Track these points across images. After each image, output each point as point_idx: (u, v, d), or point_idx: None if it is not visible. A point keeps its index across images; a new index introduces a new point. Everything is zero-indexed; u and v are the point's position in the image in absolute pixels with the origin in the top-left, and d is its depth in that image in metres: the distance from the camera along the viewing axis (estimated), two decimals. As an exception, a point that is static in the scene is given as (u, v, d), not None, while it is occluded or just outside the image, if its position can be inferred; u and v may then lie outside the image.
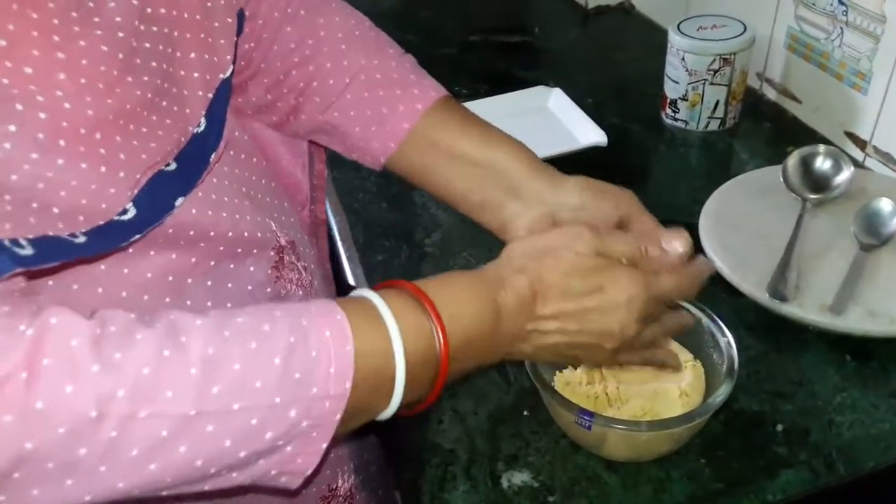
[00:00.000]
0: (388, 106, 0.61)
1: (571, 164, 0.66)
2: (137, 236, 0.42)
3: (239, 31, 0.54)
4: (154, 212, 0.43)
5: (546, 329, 0.50)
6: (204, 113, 0.47)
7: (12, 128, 0.37)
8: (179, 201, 0.45)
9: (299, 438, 0.40)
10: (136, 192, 0.42)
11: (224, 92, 0.50)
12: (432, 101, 0.61)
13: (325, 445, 0.41)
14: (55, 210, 0.38)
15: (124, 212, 0.41)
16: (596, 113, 1.03)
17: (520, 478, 0.62)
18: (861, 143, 0.94)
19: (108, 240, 0.41)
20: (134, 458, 0.36)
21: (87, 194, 0.39)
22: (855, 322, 0.69)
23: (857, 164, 0.93)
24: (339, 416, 0.41)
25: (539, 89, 1.10)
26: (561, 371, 0.66)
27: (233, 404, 0.37)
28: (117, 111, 0.41)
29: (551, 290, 0.49)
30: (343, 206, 0.95)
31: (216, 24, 0.50)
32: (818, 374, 0.68)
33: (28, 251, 0.36)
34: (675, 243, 0.55)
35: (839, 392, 0.67)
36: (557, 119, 1.06)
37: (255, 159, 0.56)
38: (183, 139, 0.46)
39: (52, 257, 0.38)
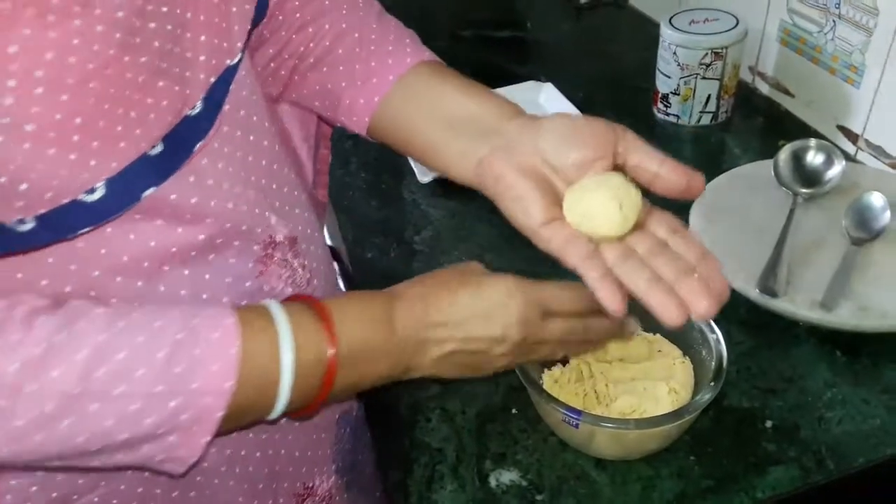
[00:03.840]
0: (377, 60, 0.61)
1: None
2: (88, 228, 0.43)
3: (260, 18, 0.54)
4: (120, 199, 0.43)
5: (439, 337, 0.52)
6: (202, 97, 0.47)
7: None
8: (149, 191, 0.44)
9: (180, 430, 0.43)
10: (112, 175, 0.42)
11: (227, 78, 0.50)
12: (423, 59, 0.61)
13: (206, 440, 0.44)
14: (23, 186, 0.40)
15: (92, 190, 0.42)
16: (587, 108, 1.02)
17: (508, 476, 0.61)
18: (853, 137, 0.94)
19: (60, 227, 0.42)
20: (19, 427, 0.39)
21: (58, 178, 0.40)
22: (846, 317, 0.69)
23: (850, 158, 0.93)
24: (220, 414, 0.43)
25: (530, 84, 1.10)
26: (549, 369, 0.65)
27: (115, 388, 0.41)
28: (102, 95, 0.41)
29: (441, 298, 0.52)
30: (333, 203, 0.95)
31: (233, 10, 0.50)
32: (808, 370, 0.68)
33: None
34: (667, 169, 0.53)
35: (829, 388, 0.66)
36: (549, 114, 1.05)
37: (266, 143, 0.55)
38: (175, 121, 0.46)
39: None
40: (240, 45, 0.50)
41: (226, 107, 0.50)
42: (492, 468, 0.62)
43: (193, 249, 0.49)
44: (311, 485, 0.60)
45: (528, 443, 0.64)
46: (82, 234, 0.43)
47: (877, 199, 0.78)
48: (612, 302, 0.48)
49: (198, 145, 0.47)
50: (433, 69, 0.61)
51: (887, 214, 0.77)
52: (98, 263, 0.45)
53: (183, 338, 0.43)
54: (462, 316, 0.52)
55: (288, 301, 0.50)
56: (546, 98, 1.08)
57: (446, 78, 0.60)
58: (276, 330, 0.46)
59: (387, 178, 0.98)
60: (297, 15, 0.63)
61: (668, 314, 0.47)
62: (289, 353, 0.46)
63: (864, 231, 0.77)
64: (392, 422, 0.67)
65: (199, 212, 0.48)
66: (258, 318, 0.46)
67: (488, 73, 1.19)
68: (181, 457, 0.44)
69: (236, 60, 0.50)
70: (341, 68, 0.62)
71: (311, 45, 0.63)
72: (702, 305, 0.48)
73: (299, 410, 0.49)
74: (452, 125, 0.58)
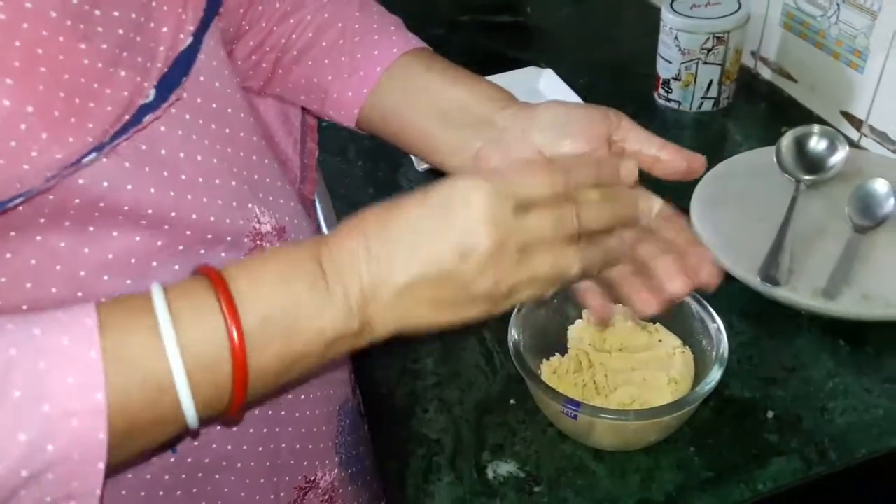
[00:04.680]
0: (363, 52, 0.60)
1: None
2: (20, 199, 0.38)
3: (216, 8, 0.52)
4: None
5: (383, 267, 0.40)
6: (155, 84, 0.45)
7: None
8: (90, 157, 0.40)
9: (58, 465, 0.34)
10: (57, 171, 0.39)
11: (182, 64, 0.47)
12: (410, 48, 0.60)
13: (101, 465, 0.35)
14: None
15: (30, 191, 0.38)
16: (588, 94, 1.01)
17: (506, 468, 0.61)
18: (857, 123, 0.93)
19: None
20: None
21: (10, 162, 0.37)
22: (849, 306, 0.68)
23: (853, 144, 0.91)
24: (102, 434, 0.35)
25: (530, 70, 1.08)
26: (548, 359, 0.64)
27: None
28: (54, 82, 0.39)
29: (382, 219, 0.41)
30: (329, 191, 0.94)
31: None
32: (811, 360, 0.67)
33: None
34: (667, 153, 0.52)
35: (832, 378, 0.66)
36: (541, 102, 1.04)
37: (242, 134, 0.53)
38: (127, 116, 0.43)
39: None
40: (191, 28, 0.48)
41: (198, 100, 0.48)
42: (489, 459, 0.61)
43: (181, 244, 0.47)
44: (312, 478, 0.60)
45: (526, 434, 0.63)
46: (18, 203, 0.39)
47: (881, 186, 0.77)
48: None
49: (147, 117, 0.43)
50: (420, 58, 0.60)
51: (891, 201, 0.76)
52: (83, 263, 0.44)
53: (17, 353, 0.34)
54: (411, 232, 0.40)
55: (186, 279, 0.42)
56: (546, 84, 1.06)
57: (434, 66, 0.59)
58: (155, 320, 0.38)
59: (384, 167, 0.96)
60: (278, 5, 0.61)
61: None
62: (174, 345, 0.37)
63: (868, 218, 0.76)
64: (389, 412, 0.67)
65: (178, 207, 0.46)
66: (133, 309, 0.38)
67: (487, 58, 1.19)
68: (78, 492, 0.36)
69: (187, 44, 0.48)
70: (326, 61, 0.61)
71: (294, 36, 0.61)
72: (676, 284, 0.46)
73: (228, 410, 0.41)
74: (443, 116, 0.57)
